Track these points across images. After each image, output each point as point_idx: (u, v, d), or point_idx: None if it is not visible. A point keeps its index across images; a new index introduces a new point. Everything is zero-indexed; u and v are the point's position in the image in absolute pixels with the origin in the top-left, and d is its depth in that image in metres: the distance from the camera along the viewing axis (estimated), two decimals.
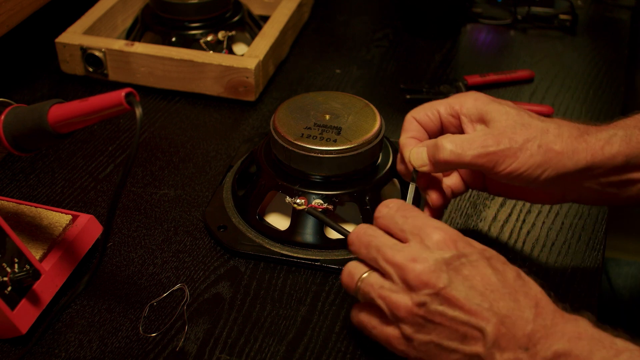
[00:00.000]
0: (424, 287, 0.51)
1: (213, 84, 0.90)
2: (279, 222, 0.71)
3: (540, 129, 0.59)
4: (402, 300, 0.52)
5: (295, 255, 0.68)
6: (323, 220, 0.66)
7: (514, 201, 0.77)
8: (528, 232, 0.73)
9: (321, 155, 0.66)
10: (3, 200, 0.70)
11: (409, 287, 0.51)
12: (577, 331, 0.49)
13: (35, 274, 0.61)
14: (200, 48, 0.93)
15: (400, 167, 0.66)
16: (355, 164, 0.68)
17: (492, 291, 0.51)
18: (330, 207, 0.67)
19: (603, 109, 0.92)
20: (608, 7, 1.16)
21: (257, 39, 0.94)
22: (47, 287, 0.63)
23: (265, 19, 1.01)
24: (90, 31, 0.95)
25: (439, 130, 0.64)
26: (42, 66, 0.98)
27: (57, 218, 0.67)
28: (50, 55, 0.95)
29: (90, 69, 0.93)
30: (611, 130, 0.60)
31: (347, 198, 0.68)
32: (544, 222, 0.74)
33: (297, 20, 1.04)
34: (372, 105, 0.72)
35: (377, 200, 0.69)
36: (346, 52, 1.04)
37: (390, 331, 0.54)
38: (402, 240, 0.54)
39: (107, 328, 0.62)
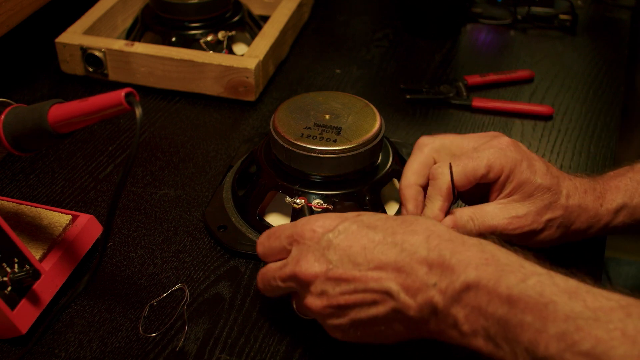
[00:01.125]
0: (314, 278, 0.53)
1: (213, 84, 0.90)
2: (279, 222, 0.71)
3: (564, 208, 0.62)
4: (309, 301, 0.54)
5: None
6: None
7: None
8: None
9: (321, 155, 0.66)
10: (3, 200, 0.70)
11: (307, 286, 0.54)
12: (483, 257, 0.49)
13: (35, 274, 0.61)
14: (200, 48, 0.93)
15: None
16: (355, 164, 0.68)
17: (373, 249, 0.51)
18: (330, 207, 0.67)
19: (603, 109, 0.92)
20: (608, 7, 1.16)
21: (257, 39, 0.94)
22: (47, 287, 0.63)
23: (265, 19, 1.01)
24: (90, 31, 0.95)
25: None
26: (42, 66, 0.98)
27: (57, 218, 0.67)
28: (50, 55, 0.95)
29: (90, 69, 0.93)
30: (619, 199, 0.64)
31: (347, 198, 0.68)
32: None
33: (297, 20, 1.04)
34: (372, 105, 0.72)
35: (377, 200, 0.69)
36: (346, 52, 1.04)
37: (325, 327, 0.56)
38: (287, 255, 0.57)
39: (107, 328, 0.62)
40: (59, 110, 0.56)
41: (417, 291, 0.49)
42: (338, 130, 0.68)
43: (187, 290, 0.65)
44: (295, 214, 0.68)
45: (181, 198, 0.77)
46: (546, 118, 0.90)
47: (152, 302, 0.64)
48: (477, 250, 0.49)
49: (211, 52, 0.93)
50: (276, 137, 0.68)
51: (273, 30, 0.96)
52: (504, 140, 0.63)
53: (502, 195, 0.62)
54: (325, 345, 0.61)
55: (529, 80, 0.97)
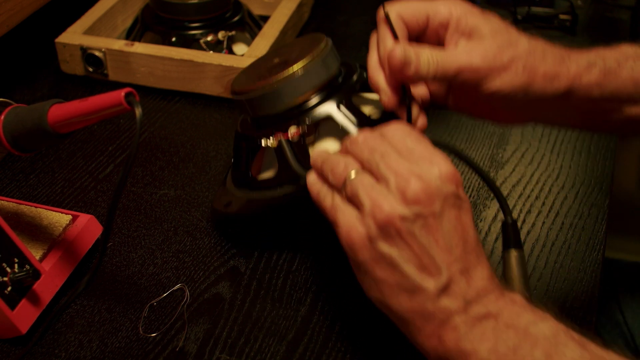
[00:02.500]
0: (416, 204, 0.50)
1: (213, 84, 0.90)
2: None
3: (527, 49, 0.59)
4: (389, 205, 0.50)
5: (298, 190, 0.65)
6: (285, 155, 0.64)
7: (513, 201, 0.77)
8: (528, 232, 0.73)
9: (275, 87, 0.64)
10: (3, 200, 0.70)
11: (402, 198, 0.50)
12: (512, 298, 0.50)
13: (35, 274, 0.61)
14: (200, 48, 0.93)
15: (378, 75, 0.62)
16: (310, 81, 0.66)
17: (468, 242, 0.51)
18: (305, 129, 0.64)
19: None
20: (608, 7, 1.16)
21: (257, 39, 0.94)
22: (47, 287, 0.63)
23: (265, 19, 1.01)
24: (90, 31, 0.95)
25: (418, 34, 0.62)
26: (42, 66, 0.98)
27: (57, 218, 0.67)
28: (50, 55, 0.95)
29: (90, 69, 0.93)
30: (592, 58, 0.60)
31: (317, 116, 0.66)
32: (544, 222, 0.74)
33: (297, 20, 1.04)
34: (321, 34, 0.70)
35: (353, 108, 0.67)
36: (346, 52, 1.04)
37: (359, 226, 0.52)
38: (407, 159, 0.53)
39: (107, 328, 0.62)
40: (59, 110, 0.56)
41: (452, 296, 0.50)
42: (285, 63, 0.66)
43: (187, 290, 0.65)
44: (281, 155, 0.65)
45: (181, 198, 0.77)
46: None
47: (152, 302, 0.64)
48: (510, 293, 0.51)
49: (211, 52, 0.93)
50: (235, 97, 0.67)
51: (273, 30, 0.96)
52: None
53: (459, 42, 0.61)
54: (325, 345, 0.61)
55: None
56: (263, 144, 0.66)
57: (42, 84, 0.95)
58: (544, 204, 0.76)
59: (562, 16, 1.10)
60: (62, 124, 0.56)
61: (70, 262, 0.66)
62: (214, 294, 0.66)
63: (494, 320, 0.49)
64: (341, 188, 0.54)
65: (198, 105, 0.91)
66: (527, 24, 1.10)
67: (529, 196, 0.77)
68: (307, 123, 0.65)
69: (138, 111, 0.52)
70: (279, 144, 0.65)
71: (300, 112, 0.66)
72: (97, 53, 0.91)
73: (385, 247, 0.50)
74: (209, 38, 0.95)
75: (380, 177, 0.52)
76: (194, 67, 0.89)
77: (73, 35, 0.93)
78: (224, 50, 0.95)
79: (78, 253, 0.67)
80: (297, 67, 0.65)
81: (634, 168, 1.55)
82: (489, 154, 0.84)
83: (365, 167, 0.54)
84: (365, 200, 0.51)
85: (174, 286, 0.66)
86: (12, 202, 0.70)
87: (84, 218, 0.68)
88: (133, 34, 0.99)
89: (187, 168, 0.81)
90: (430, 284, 0.50)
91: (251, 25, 1.00)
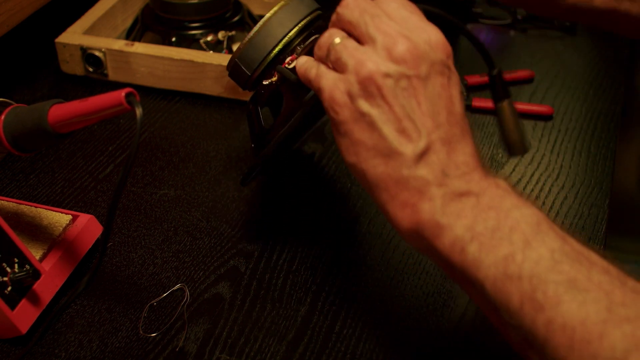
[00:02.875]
0: (402, 63, 0.49)
1: (213, 84, 0.90)
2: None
3: None
4: (372, 63, 0.49)
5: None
6: (286, 75, 0.62)
7: None
8: None
9: (255, 33, 0.63)
10: (3, 200, 0.70)
11: (388, 56, 0.49)
12: (496, 182, 0.49)
13: (35, 274, 0.61)
14: (200, 48, 0.93)
15: None
16: (288, 20, 0.64)
17: (453, 114, 0.50)
18: (298, 54, 0.63)
19: (603, 109, 0.92)
20: None
21: None
22: (47, 287, 0.63)
23: None
24: (90, 31, 0.95)
25: None
26: (42, 66, 0.98)
27: (57, 218, 0.67)
28: (50, 55, 0.95)
29: (90, 69, 0.93)
30: None
31: (309, 42, 0.64)
32: None
33: None
34: None
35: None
36: None
37: (341, 84, 0.51)
38: (398, 24, 0.51)
39: (107, 328, 0.62)
40: (59, 110, 0.56)
41: (430, 165, 0.48)
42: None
43: (187, 290, 0.65)
44: (284, 81, 0.64)
45: (181, 198, 0.77)
46: (546, 118, 0.90)
47: (152, 302, 0.64)
48: (494, 177, 0.49)
49: (211, 52, 0.93)
50: (231, 68, 0.66)
51: None
52: None
53: None
54: (325, 345, 0.61)
55: (529, 80, 0.97)
56: (265, 83, 0.65)
57: (42, 84, 0.95)
58: (544, 204, 0.76)
59: None
60: (62, 124, 0.56)
61: (70, 262, 0.66)
62: (214, 294, 0.66)
63: (475, 198, 0.48)
64: (326, 57, 0.53)
65: (198, 105, 0.91)
66: (527, 24, 1.10)
67: (528, 196, 0.77)
68: (300, 49, 0.64)
69: (138, 111, 0.52)
70: (279, 72, 0.63)
71: (291, 51, 0.64)
72: (97, 53, 0.91)
73: (365, 106, 0.49)
74: (209, 38, 0.95)
75: (367, 39, 0.51)
76: (194, 67, 0.89)
77: (73, 35, 0.93)
78: (224, 50, 0.95)
79: (78, 253, 0.67)
80: (269, 13, 0.64)
81: (634, 168, 1.55)
82: (489, 154, 0.84)
83: (353, 32, 0.52)
84: (348, 60, 0.50)
85: (174, 286, 0.66)
86: (12, 202, 0.70)
87: (84, 218, 0.68)
88: (133, 34, 0.99)
89: (187, 168, 0.81)
90: (407, 148, 0.48)
91: (251, 25, 1.00)
